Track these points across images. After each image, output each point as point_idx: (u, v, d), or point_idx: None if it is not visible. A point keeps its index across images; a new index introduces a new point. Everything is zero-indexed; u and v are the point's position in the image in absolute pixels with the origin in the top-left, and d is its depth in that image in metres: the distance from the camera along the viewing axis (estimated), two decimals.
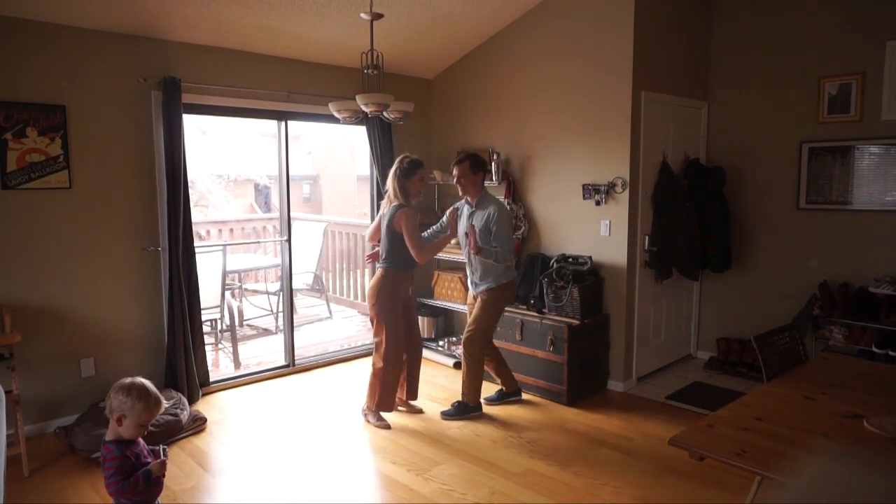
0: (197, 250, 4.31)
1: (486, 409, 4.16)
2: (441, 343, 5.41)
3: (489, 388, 4.31)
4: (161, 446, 2.23)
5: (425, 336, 5.50)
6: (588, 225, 4.55)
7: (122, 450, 2.09)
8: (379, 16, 3.76)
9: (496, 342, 4.36)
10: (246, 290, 6.74)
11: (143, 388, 2.12)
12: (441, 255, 4.56)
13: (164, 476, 2.16)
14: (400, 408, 4.15)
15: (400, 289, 3.89)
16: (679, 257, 4.62)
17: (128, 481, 2.05)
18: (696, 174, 4.80)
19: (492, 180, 4.99)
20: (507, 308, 4.61)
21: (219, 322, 5.68)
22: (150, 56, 4.04)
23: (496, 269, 3.91)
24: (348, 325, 6.51)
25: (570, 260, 4.48)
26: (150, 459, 2.18)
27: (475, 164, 3.91)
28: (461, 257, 4.10)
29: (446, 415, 4.06)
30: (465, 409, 4.06)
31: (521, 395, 4.32)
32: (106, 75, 3.88)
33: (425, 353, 5.37)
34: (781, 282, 4.71)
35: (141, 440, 2.19)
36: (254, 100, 4.52)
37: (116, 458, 2.07)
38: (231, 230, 7.77)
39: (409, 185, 3.79)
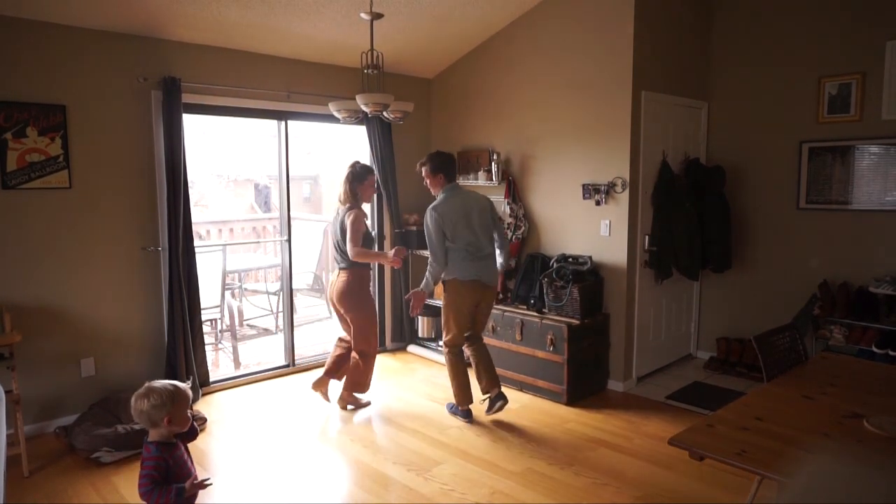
0: (197, 250, 4.31)
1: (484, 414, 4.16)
2: (441, 343, 5.40)
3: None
4: (209, 479, 2.21)
5: (424, 336, 5.51)
6: (588, 225, 4.55)
7: (162, 451, 2.09)
8: (379, 16, 3.76)
9: (495, 342, 4.35)
10: (246, 289, 6.74)
11: (158, 387, 2.11)
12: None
13: (195, 496, 2.15)
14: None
15: (369, 284, 4.15)
16: (679, 257, 4.62)
17: (159, 488, 2.04)
18: (696, 174, 4.80)
19: (492, 180, 5.00)
20: (506, 308, 4.62)
21: (219, 322, 5.68)
22: (150, 56, 4.04)
23: (449, 267, 3.89)
24: None
25: (570, 260, 4.48)
26: (190, 465, 2.19)
27: (434, 167, 3.93)
28: None
29: (448, 406, 4.16)
30: (453, 410, 4.09)
31: (504, 399, 4.01)
32: (106, 75, 3.88)
33: (426, 353, 5.39)
34: (781, 282, 4.71)
35: (182, 446, 2.19)
36: (254, 100, 4.52)
37: (154, 458, 2.07)
38: (231, 230, 7.77)
39: (360, 190, 4.02)
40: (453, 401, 4.12)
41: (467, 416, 4.00)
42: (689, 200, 4.68)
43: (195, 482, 2.12)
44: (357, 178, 4.02)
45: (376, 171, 5.24)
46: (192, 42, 4.20)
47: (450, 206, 3.86)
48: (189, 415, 2.19)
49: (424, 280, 3.88)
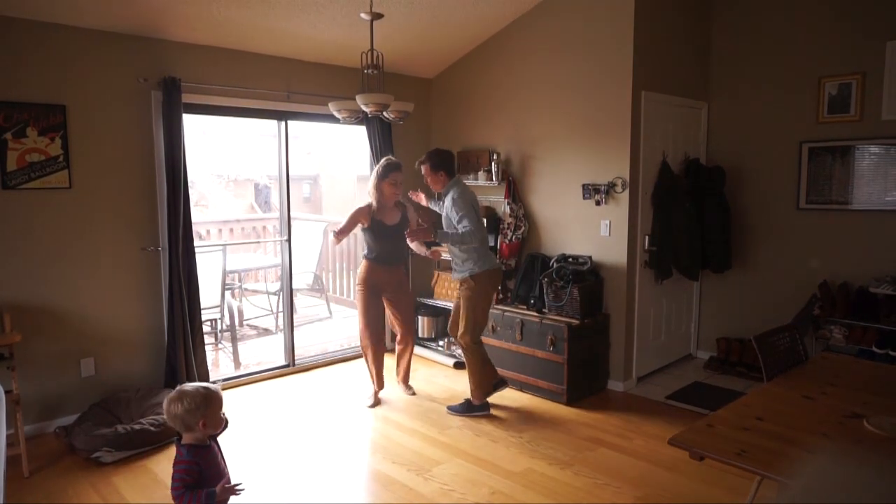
0: (197, 250, 4.31)
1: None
2: (441, 343, 5.41)
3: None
4: (241, 484, 2.14)
5: (425, 336, 5.51)
6: (588, 225, 4.55)
7: (194, 455, 2.07)
8: (379, 16, 3.76)
9: (495, 342, 4.36)
10: (246, 289, 6.73)
11: (190, 390, 2.09)
12: (442, 255, 4.60)
13: (226, 500, 2.12)
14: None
15: (373, 277, 4.23)
16: (679, 257, 4.62)
17: (190, 492, 2.02)
18: (696, 174, 4.80)
19: (492, 180, 5.00)
20: (506, 308, 4.62)
21: (219, 322, 5.68)
22: (150, 56, 4.04)
23: (470, 258, 3.93)
24: (348, 324, 6.50)
25: (570, 260, 4.48)
26: (223, 467, 2.17)
27: (434, 165, 4.01)
28: None
29: (451, 409, 4.13)
30: (470, 407, 4.08)
31: (506, 385, 4.24)
32: (106, 75, 3.88)
33: (425, 353, 5.39)
34: (781, 282, 4.71)
35: (215, 446, 2.18)
36: (254, 100, 4.52)
37: (186, 462, 2.05)
38: (231, 230, 7.77)
39: (383, 186, 4.16)
40: (455, 403, 4.15)
41: (488, 407, 4.11)
42: (689, 200, 4.68)
43: (227, 486, 2.09)
44: (378, 175, 4.15)
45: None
46: (192, 42, 4.20)
47: (471, 195, 4.03)
48: (223, 416, 2.16)
49: (448, 233, 3.87)
